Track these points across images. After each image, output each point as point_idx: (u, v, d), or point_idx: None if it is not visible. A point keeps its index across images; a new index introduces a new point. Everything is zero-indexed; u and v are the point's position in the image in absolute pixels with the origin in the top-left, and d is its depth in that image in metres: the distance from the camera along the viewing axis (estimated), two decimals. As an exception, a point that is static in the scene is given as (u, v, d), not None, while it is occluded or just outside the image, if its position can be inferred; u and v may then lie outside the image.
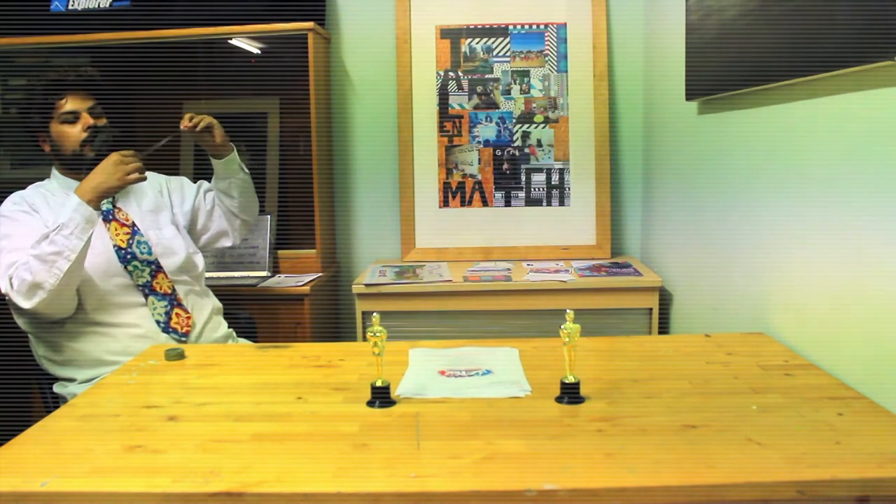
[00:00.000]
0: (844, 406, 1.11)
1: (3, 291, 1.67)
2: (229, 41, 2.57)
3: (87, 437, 1.09)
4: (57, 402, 1.84)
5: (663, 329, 2.32)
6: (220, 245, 2.12)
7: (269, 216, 2.55)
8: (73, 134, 1.81)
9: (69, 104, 1.81)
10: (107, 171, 1.72)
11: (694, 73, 1.90)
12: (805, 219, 1.38)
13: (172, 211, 2.01)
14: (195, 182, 2.11)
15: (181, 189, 2.07)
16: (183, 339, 1.84)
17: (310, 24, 2.40)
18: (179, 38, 2.42)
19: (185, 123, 1.89)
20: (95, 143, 1.82)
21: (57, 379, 1.83)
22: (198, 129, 1.89)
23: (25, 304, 1.64)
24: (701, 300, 2.01)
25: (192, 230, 2.06)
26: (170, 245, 1.92)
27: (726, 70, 1.68)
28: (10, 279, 1.65)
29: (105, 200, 1.84)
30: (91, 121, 1.82)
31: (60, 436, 1.10)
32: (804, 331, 1.39)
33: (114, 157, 1.74)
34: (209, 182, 2.09)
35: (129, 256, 1.84)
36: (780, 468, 0.92)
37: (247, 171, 2.06)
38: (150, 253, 1.87)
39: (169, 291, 1.87)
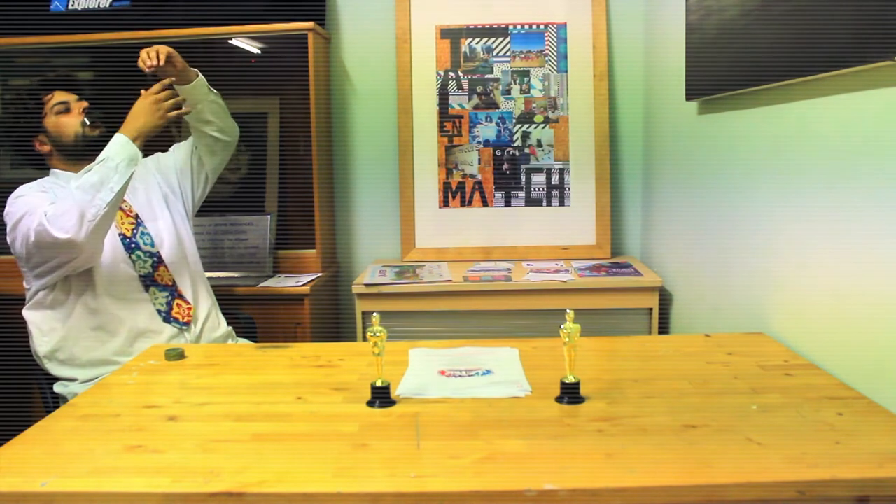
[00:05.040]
0: (844, 406, 1.11)
1: (38, 229, 1.59)
2: (229, 41, 2.57)
3: (87, 437, 1.09)
4: (57, 402, 1.84)
5: (663, 329, 2.32)
6: (217, 176, 2.15)
7: (269, 216, 2.55)
8: (71, 120, 1.84)
9: (56, 97, 1.85)
10: (146, 110, 1.74)
11: (694, 73, 1.90)
12: (805, 219, 1.38)
13: (162, 190, 2.02)
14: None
15: (157, 161, 2.09)
16: (184, 328, 1.86)
17: (310, 24, 2.40)
18: (179, 38, 2.42)
19: (148, 65, 1.80)
20: (96, 121, 1.85)
21: (57, 379, 1.83)
22: (161, 63, 1.81)
23: (62, 233, 1.58)
24: (701, 300, 2.01)
25: (187, 186, 2.08)
26: (163, 235, 1.95)
27: (726, 70, 1.68)
28: (46, 214, 1.59)
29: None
30: (84, 104, 1.86)
31: (60, 436, 1.10)
32: (804, 331, 1.39)
33: (148, 97, 1.76)
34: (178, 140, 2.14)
35: (133, 246, 1.87)
36: (780, 468, 0.92)
37: (216, 91, 2.07)
38: (152, 245, 1.90)
39: (170, 283, 1.89)
